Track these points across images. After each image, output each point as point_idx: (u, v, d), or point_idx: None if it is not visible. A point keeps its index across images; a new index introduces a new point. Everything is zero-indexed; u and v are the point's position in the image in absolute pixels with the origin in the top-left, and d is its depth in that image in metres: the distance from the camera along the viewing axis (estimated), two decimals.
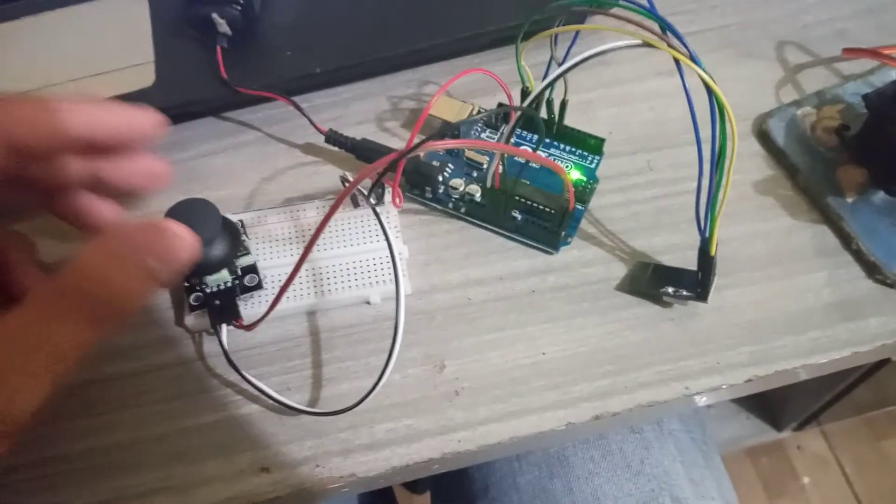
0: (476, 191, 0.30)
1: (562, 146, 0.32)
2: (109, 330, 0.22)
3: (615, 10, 0.23)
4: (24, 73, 0.34)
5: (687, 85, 0.23)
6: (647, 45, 0.22)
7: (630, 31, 0.23)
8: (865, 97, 0.30)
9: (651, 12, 0.23)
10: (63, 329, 0.21)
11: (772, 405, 0.99)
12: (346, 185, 0.25)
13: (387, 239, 0.26)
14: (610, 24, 0.24)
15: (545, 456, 0.35)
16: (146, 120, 0.24)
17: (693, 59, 0.22)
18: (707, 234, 0.26)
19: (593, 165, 0.31)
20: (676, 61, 0.22)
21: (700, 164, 0.25)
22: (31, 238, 0.27)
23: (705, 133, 0.24)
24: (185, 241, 0.22)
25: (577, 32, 0.27)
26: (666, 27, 0.22)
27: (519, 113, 0.27)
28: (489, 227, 0.31)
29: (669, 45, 0.22)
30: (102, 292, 0.21)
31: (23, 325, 0.21)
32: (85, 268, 0.21)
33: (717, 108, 0.23)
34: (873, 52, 0.32)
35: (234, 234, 0.27)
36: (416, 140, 0.25)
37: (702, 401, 0.28)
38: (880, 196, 0.31)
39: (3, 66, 0.34)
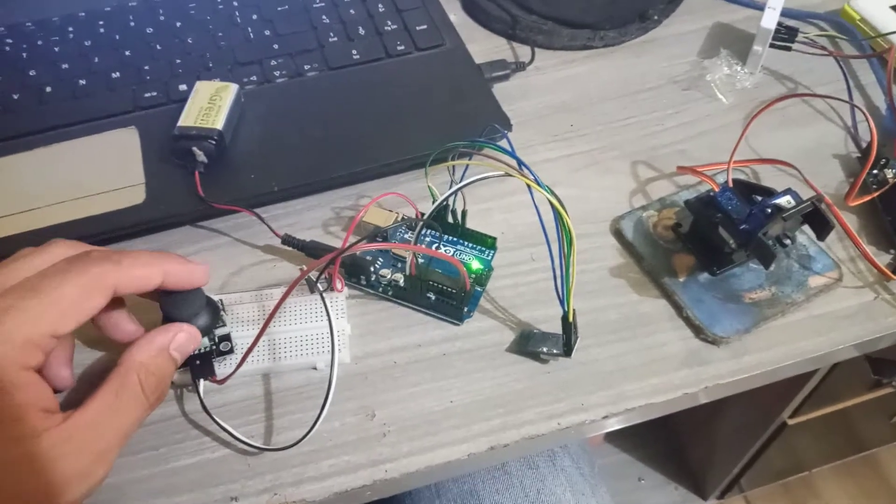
0: (400, 278, 0.39)
1: (465, 243, 0.41)
2: (155, 407, 0.32)
3: (486, 151, 0.33)
4: (40, 193, 0.42)
5: (536, 201, 0.33)
6: (507, 174, 0.33)
7: (499, 165, 0.33)
8: (686, 202, 0.41)
9: (511, 154, 0.33)
10: (128, 414, 0.30)
11: (696, 473, 1.07)
12: (319, 277, 0.34)
13: (328, 319, 0.35)
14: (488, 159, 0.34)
15: (460, 492, 0.43)
16: (203, 271, 0.35)
17: (538, 183, 0.32)
18: (565, 307, 0.36)
19: (489, 257, 0.41)
20: (528, 185, 0.32)
21: (551, 257, 0.34)
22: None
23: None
24: (192, 336, 0.34)
25: (468, 165, 0.37)
26: (520, 163, 0.33)
27: (420, 223, 0.37)
28: (410, 305, 0.40)
29: (521, 174, 0.32)
30: (152, 381, 0.31)
31: (99, 415, 0.30)
32: (137, 364, 0.31)
33: (559, 217, 0.33)
34: (693, 170, 0.43)
35: (214, 310, 0.36)
36: (350, 241, 0.35)
37: (572, 433, 0.37)
38: (704, 275, 0.41)
39: (23, 188, 0.43)
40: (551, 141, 0.48)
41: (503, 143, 0.37)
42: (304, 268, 0.36)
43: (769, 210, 0.36)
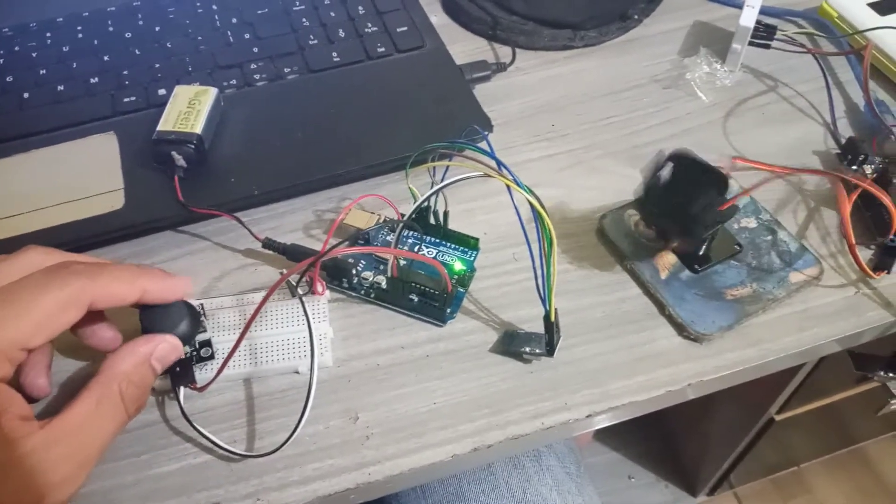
0: (382, 280, 0.39)
1: (448, 244, 0.41)
2: (134, 416, 0.32)
3: (467, 152, 0.33)
4: (18, 199, 0.42)
5: (516, 202, 0.33)
6: (487, 175, 0.33)
7: (478, 166, 0.33)
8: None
9: (490, 155, 0.33)
10: (108, 423, 0.30)
11: (686, 471, 1.07)
12: (298, 281, 0.34)
13: (308, 324, 0.35)
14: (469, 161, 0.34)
15: (445, 494, 0.43)
16: (183, 286, 0.35)
17: (518, 183, 0.32)
18: (547, 307, 0.36)
19: (472, 258, 0.41)
20: (507, 186, 0.32)
21: (532, 257, 0.34)
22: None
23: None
24: (174, 346, 0.34)
25: (448, 166, 0.37)
26: (499, 163, 0.33)
27: (401, 225, 0.36)
28: (393, 307, 0.40)
29: (501, 175, 0.32)
30: (133, 391, 0.31)
31: (81, 421, 0.30)
32: (119, 373, 0.31)
33: (539, 217, 0.33)
34: None
35: (195, 317, 0.35)
36: (330, 244, 0.35)
37: (557, 433, 0.37)
38: (686, 273, 0.41)
39: (1, 194, 0.42)
40: (534, 141, 0.48)
41: (483, 144, 0.37)
42: (285, 272, 0.36)
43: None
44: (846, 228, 0.41)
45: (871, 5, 0.53)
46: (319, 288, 0.37)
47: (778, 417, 0.83)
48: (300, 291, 0.36)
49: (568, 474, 0.45)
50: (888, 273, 0.41)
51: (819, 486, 1.12)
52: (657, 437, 1.10)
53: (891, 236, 0.41)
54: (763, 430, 0.87)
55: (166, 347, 0.33)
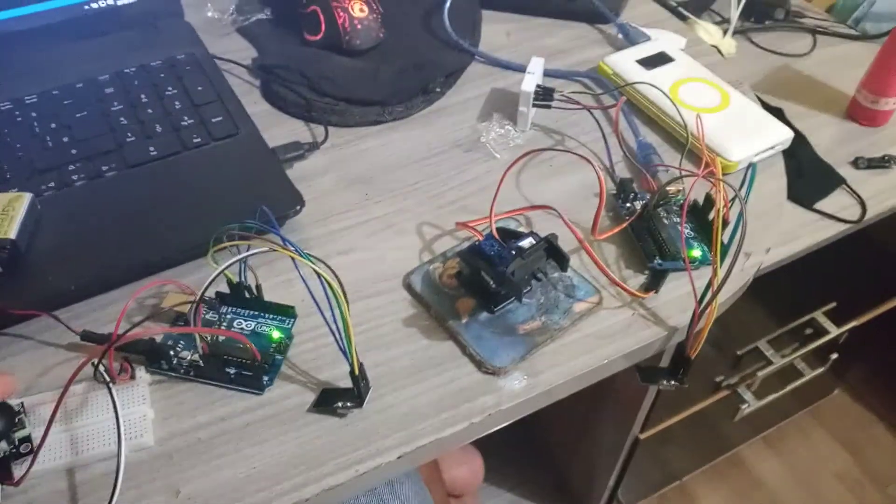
0: (198, 358, 0.42)
1: (266, 315, 0.44)
2: None
3: (254, 232, 0.37)
4: None
5: (312, 272, 0.36)
6: (272, 250, 0.36)
7: (266, 242, 0.37)
8: (458, 253, 0.46)
9: (275, 232, 0.36)
10: None
11: (578, 499, 1.11)
12: (95, 369, 0.36)
13: (114, 409, 0.37)
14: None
15: None
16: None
17: (301, 255, 0.36)
18: (350, 362, 0.39)
19: (289, 326, 0.44)
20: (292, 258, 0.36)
21: (330, 320, 0.38)
22: None
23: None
24: None
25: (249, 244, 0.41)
26: (283, 240, 0.36)
27: (195, 304, 0.39)
28: (213, 382, 0.42)
29: (284, 248, 0.36)
30: None
31: None
32: None
33: (325, 283, 0.36)
34: (465, 225, 0.48)
35: (9, 414, 0.37)
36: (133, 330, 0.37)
37: (371, 478, 0.40)
38: (484, 315, 0.46)
39: None
40: (348, 210, 0.52)
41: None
42: (96, 362, 0.38)
43: (513, 251, 0.41)
44: (596, 261, 0.48)
45: (638, 62, 0.62)
46: (128, 373, 0.39)
47: (643, 436, 0.89)
48: (106, 378, 0.38)
49: None
50: (657, 293, 0.47)
51: (704, 496, 1.19)
52: (548, 472, 1.14)
53: (657, 261, 0.48)
54: (634, 450, 0.92)
55: None
